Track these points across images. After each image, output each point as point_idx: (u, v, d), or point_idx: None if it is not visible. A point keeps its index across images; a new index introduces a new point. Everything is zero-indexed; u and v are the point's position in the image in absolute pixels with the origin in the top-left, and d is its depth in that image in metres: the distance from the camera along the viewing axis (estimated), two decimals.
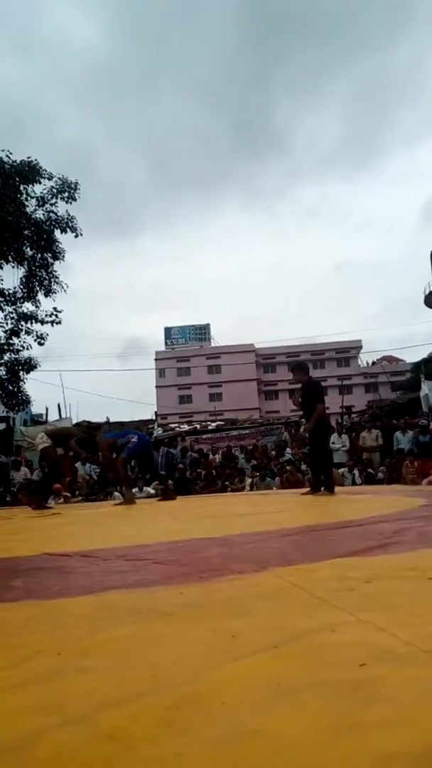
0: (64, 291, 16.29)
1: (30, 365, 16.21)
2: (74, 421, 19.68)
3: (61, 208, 15.86)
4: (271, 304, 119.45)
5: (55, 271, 16.16)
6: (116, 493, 11.57)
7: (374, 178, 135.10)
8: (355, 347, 64.87)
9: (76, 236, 16.04)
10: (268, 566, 2.34)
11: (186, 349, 68.17)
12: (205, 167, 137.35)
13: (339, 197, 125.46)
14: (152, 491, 11.33)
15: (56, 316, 15.99)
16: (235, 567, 2.38)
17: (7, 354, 15.95)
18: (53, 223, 15.76)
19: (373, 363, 62.20)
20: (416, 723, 0.90)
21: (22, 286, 15.90)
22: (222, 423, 24.98)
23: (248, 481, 12.41)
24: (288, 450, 14.20)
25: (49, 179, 15.67)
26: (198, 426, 23.97)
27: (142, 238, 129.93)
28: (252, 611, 1.66)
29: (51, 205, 15.78)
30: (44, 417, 21.87)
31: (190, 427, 23.15)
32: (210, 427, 22.27)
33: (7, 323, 15.94)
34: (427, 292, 44.44)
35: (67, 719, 0.96)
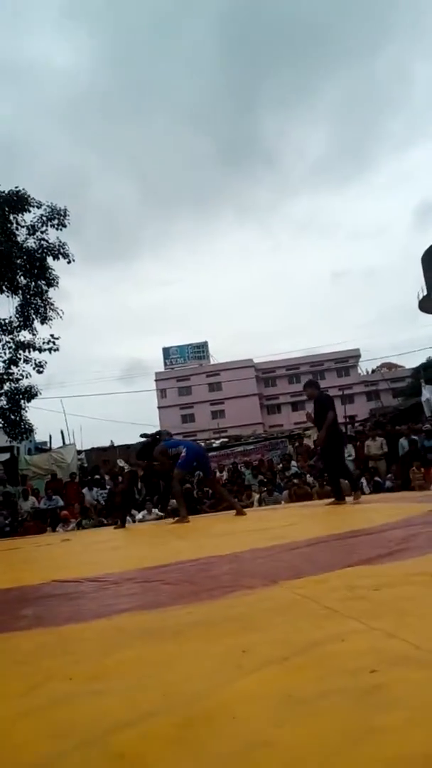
0: (60, 317, 16.38)
1: (30, 394, 16.22)
2: (78, 447, 19.63)
3: (52, 235, 16.03)
4: (268, 318, 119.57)
5: (50, 298, 16.25)
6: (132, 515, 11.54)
7: (366, 185, 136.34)
8: (354, 356, 64.90)
9: (69, 262, 16.17)
10: (278, 580, 2.33)
11: (185, 368, 68.22)
12: (198, 186, 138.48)
13: (331, 207, 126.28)
14: (161, 513, 11.26)
15: (54, 343, 16.06)
16: (245, 583, 2.37)
17: (7, 384, 15.97)
18: (45, 250, 15.85)
19: (373, 371, 62.20)
20: (427, 725, 0.90)
21: (17, 315, 15.98)
22: (226, 440, 24.90)
23: (256, 496, 12.35)
24: (293, 463, 14.17)
25: (38, 207, 15.83)
26: (202, 444, 23.91)
27: (138, 261, 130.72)
28: (262, 626, 1.65)
29: (41, 233, 15.92)
30: (48, 444, 21.81)
31: None
32: (214, 445, 22.20)
33: (5, 353, 16.01)
34: (421, 296, 44.62)
35: (80, 742, 0.96)
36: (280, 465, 14.61)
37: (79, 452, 19.26)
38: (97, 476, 15.58)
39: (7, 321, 16.01)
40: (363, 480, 11.72)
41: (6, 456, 16.65)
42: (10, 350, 15.98)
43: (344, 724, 0.93)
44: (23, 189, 15.65)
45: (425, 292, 43.56)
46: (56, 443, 20.53)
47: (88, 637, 1.83)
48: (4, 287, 15.52)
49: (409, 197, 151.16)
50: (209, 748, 0.90)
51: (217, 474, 15.30)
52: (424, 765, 0.77)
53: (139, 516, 11.26)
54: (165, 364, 69.33)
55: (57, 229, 15.99)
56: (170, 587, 2.57)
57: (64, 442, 19.88)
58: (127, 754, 0.90)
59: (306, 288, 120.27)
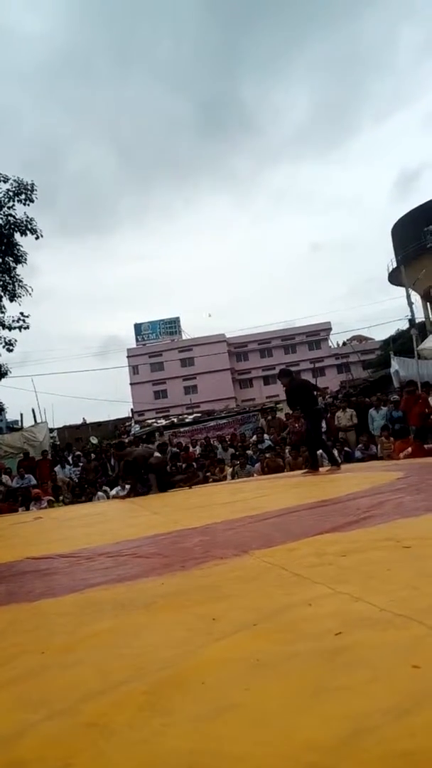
0: (29, 294, 16.12)
1: (0, 372, 16.02)
2: (50, 425, 19.47)
3: (20, 210, 15.68)
4: (240, 292, 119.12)
5: (18, 275, 15.96)
6: (99, 493, 11.54)
7: (345, 154, 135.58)
8: (325, 329, 65.27)
9: (37, 238, 15.82)
10: (248, 550, 2.37)
11: (157, 344, 67.82)
12: (174, 157, 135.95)
13: (309, 177, 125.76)
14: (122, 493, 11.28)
15: (24, 321, 15.84)
16: (217, 553, 2.41)
17: None
18: (12, 226, 15.53)
19: (344, 343, 62.65)
20: (389, 681, 0.93)
21: None
22: (199, 415, 25.03)
23: (229, 470, 12.45)
24: (266, 436, 14.29)
25: (4, 182, 15.44)
26: (175, 420, 23.97)
27: (113, 233, 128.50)
28: (232, 594, 1.69)
29: (8, 208, 15.56)
30: (19, 423, 21.59)
31: (167, 421, 23.13)
32: (187, 420, 22.28)
33: None
34: (391, 269, 44.89)
35: (51, 713, 0.97)
36: (254, 438, 14.71)
37: (51, 430, 19.11)
38: (78, 453, 15.53)
39: None
40: (335, 450, 11.91)
41: None
42: None
43: (309, 684, 0.96)
44: None
45: (395, 265, 43.81)
46: (28, 422, 20.31)
47: (61, 611, 1.84)
48: None
49: (388, 166, 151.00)
50: (178, 712, 0.92)
51: (191, 449, 15.37)
52: (384, 719, 0.80)
53: (113, 492, 11.26)
54: (137, 340, 68.79)
55: (24, 204, 15.62)
56: (143, 560, 2.59)
57: (35, 421, 19.66)
58: (97, 722, 0.92)
59: (278, 261, 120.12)
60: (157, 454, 9.66)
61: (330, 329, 65.24)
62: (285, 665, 1.06)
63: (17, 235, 15.66)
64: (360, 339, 60.30)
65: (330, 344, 66.23)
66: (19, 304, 15.98)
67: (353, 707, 0.86)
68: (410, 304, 26.95)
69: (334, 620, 1.26)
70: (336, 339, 65.96)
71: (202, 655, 1.17)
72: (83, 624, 1.59)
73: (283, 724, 0.84)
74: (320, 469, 7.89)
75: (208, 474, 12.37)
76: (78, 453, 15.79)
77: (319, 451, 8.47)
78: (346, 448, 12.07)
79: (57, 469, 13.90)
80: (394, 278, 44.81)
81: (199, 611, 1.52)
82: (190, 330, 70.23)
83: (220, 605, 1.55)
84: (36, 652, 1.37)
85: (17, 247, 15.73)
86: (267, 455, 12.26)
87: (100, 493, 11.58)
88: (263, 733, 0.82)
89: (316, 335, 66.70)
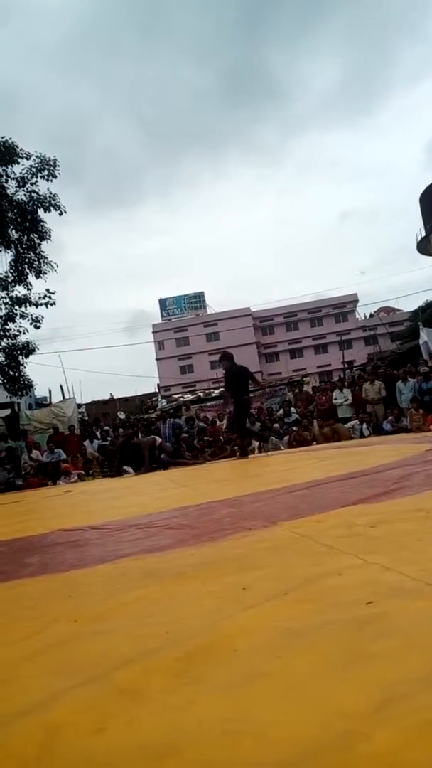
0: (55, 271, 16.19)
1: (28, 349, 16.18)
2: (78, 402, 19.70)
3: (42, 186, 15.69)
4: (266, 265, 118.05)
5: (44, 252, 16.02)
6: (127, 468, 11.69)
7: (374, 122, 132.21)
8: (352, 301, 64.43)
9: (61, 214, 15.84)
10: (277, 521, 2.37)
11: (183, 319, 67.78)
12: (200, 128, 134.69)
13: (336, 148, 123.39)
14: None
15: (50, 297, 15.93)
16: (245, 525, 2.42)
17: (4, 340, 15.91)
18: (36, 203, 15.56)
19: (371, 315, 61.70)
20: (422, 650, 0.92)
21: (11, 270, 15.77)
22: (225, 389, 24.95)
23: (256, 443, 12.49)
24: (293, 410, 14.25)
25: (27, 159, 15.43)
26: (201, 394, 24.00)
27: (137, 209, 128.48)
28: (262, 564, 1.69)
29: (32, 184, 15.57)
30: (48, 399, 21.91)
31: (194, 396, 23.18)
32: (213, 395, 22.28)
33: (1, 309, 15.88)
34: (419, 238, 43.91)
35: (84, 679, 0.99)
36: (281, 411, 14.70)
37: (79, 406, 19.37)
38: (107, 427, 15.73)
39: (1, 276, 15.81)
40: (363, 424, 11.83)
41: (7, 412, 16.72)
42: (6, 306, 15.84)
43: (341, 653, 0.95)
44: (11, 139, 15.16)
45: (423, 233, 42.83)
46: (56, 398, 20.60)
47: (93, 581, 1.87)
48: None
49: (418, 133, 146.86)
50: (210, 680, 0.92)
51: (217, 423, 15.42)
52: (417, 687, 0.79)
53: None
54: (162, 315, 68.84)
55: (47, 180, 15.61)
56: (172, 532, 2.61)
57: (63, 397, 19.93)
58: (130, 688, 0.93)
59: (305, 233, 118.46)
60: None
61: (357, 301, 64.43)
62: (316, 634, 1.05)
63: (41, 212, 15.68)
64: (388, 310, 59.33)
65: (357, 316, 65.41)
66: (45, 281, 16.08)
67: (385, 675, 0.85)
68: None
69: (364, 590, 1.26)
70: (363, 311, 65.08)
71: (232, 623, 1.18)
72: (114, 593, 1.61)
73: (315, 691, 0.84)
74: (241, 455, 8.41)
75: (236, 448, 12.41)
76: (106, 428, 15.99)
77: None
78: (375, 421, 11.99)
79: (86, 443, 14.09)
80: (423, 247, 43.85)
81: (229, 581, 1.52)
82: (214, 304, 69.95)
83: (250, 575, 1.55)
84: (69, 621, 1.40)
85: (41, 223, 15.76)
86: (294, 429, 12.24)
87: (127, 467, 11.70)
88: (295, 700, 0.82)
89: (343, 307, 65.93)
